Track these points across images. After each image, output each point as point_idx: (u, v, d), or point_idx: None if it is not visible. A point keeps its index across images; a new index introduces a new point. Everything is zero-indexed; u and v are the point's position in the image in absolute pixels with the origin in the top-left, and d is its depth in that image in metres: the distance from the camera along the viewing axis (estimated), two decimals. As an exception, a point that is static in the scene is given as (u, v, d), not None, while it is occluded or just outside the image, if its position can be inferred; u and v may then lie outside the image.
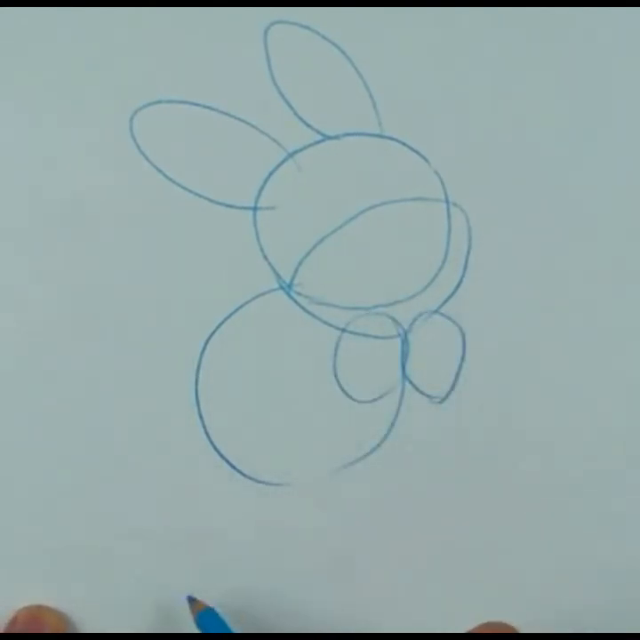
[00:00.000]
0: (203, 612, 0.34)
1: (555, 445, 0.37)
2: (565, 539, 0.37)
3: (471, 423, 0.36)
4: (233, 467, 0.35)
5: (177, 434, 0.35)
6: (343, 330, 0.36)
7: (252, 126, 0.34)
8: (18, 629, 0.35)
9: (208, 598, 0.35)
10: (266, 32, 0.34)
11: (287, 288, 0.35)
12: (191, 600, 0.35)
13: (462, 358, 0.36)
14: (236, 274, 0.35)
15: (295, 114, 0.34)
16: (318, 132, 0.34)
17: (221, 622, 0.34)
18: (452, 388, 0.36)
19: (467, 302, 0.36)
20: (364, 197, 0.35)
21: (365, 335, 0.36)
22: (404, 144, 0.35)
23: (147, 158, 0.34)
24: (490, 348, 0.36)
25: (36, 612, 0.35)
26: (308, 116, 0.34)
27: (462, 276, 0.36)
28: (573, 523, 0.37)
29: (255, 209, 0.34)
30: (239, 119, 0.34)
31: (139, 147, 0.34)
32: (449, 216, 0.36)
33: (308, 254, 0.35)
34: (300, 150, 0.34)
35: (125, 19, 0.33)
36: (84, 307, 0.34)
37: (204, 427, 0.35)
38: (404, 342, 0.36)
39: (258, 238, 0.35)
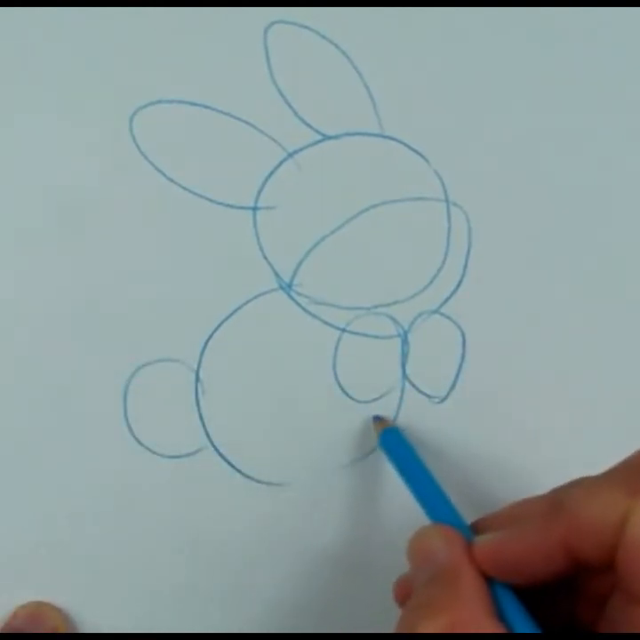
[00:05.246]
0: (386, 429, 0.35)
1: (555, 445, 0.37)
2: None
3: (471, 423, 0.36)
4: (233, 467, 0.35)
5: (177, 433, 0.35)
6: (343, 330, 0.36)
7: (252, 126, 0.34)
8: (18, 626, 0.34)
9: (207, 597, 0.35)
10: (266, 32, 0.34)
11: (287, 288, 0.35)
12: (376, 418, 0.36)
13: (462, 358, 0.36)
14: (235, 274, 0.35)
15: (295, 114, 0.34)
16: (318, 131, 0.34)
17: (402, 440, 0.35)
18: (452, 387, 0.36)
19: (467, 302, 0.36)
20: (364, 197, 0.35)
21: (365, 335, 0.36)
22: (404, 144, 0.35)
23: (146, 158, 0.34)
24: (490, 348, 0.36)
25: (36, 609, 0.35)
26: (307, 115, 0.34)
27: (462, 276, 0.36)
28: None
29: (255, 209, 0.34)
30: (239, 119, 0.34)
31: (138, 147, 0.34)
32: (449, 216, 0.36)
33: (308, 254, 0.35)
34: (300, 150, 0.34)
35: (125, 18, 0.33)
36: (83, 307, 0.34)
37: (204, 426, 0.35)
38: (404, 342, 0.36)
39: (258, 238, 0.35)
